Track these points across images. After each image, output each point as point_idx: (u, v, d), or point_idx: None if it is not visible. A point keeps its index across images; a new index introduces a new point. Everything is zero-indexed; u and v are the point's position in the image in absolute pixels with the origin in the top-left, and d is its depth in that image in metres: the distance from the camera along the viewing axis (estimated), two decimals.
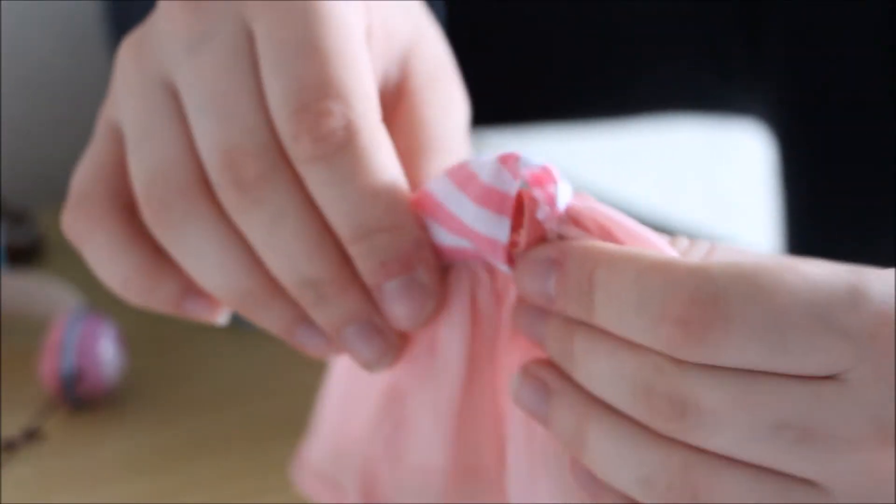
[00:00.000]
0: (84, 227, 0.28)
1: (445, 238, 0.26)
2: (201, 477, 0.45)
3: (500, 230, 0.25)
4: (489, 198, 0.25)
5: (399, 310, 0.26)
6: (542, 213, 0.26)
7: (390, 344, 0.27)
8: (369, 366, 0.27)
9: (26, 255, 0.67)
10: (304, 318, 0.27)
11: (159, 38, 0.27)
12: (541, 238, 0.26)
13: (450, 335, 0.27)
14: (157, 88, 0.27)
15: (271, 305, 0.27)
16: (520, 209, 0.26)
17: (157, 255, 0.28)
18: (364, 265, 0.25)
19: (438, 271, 0.26)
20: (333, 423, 0.30)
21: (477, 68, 0.39)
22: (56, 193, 0.76)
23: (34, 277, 0.58)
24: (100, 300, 0.58)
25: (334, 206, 0.25)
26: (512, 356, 0.27)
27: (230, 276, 0.26)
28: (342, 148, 0.25)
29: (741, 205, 1.18)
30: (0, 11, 0.80)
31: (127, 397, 0.52)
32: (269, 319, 0.27)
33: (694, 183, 1.23)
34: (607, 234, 0.26)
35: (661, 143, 1.07)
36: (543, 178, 0.26)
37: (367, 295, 0.26)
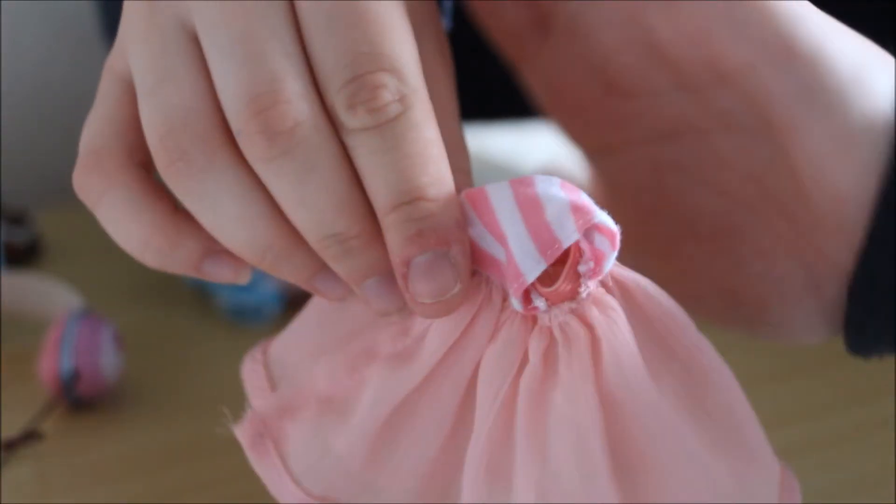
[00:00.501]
0: (98, 186, 0.26)
1: (484, 240, 0.26)
2: (201, 477, 0.45)
3: (532, 270, 0.25)
4: (542, 235, 0.25)
5: (424, 287, 0.25)
6: (584, 268, 0.25)
7: None
8: (386, 315, 0.26)
9: (25, 255, 0.67)
10: (323, 267, 0.26)
11: None
12: (573, 290, 0.25)
13: (434, 337, 0.26)
14: (173, 30, 0.26)
15: (293, 257, 0.26)
16: (565, 256, 0.25)
17: (176, 213, 0.27)
18: (400, 233, 0.25)
19: (470, 260, 0.26)
20: (303, 335, 0.30)
21: (483, 63, 0.38)
22: (56, 193, 0.76)
23: (33, 277, 0.58)
24: (99, 300, 0.58)
25: (379, 173, 0.24)
26: (485, 388, 0.26)
27: (252, 229, 0.25)
28: (396, 119, 0.24)
29: None
30: (0, 11, 0.80)
31: (126, 397, 0.52)
32: (289, 271, 0.26)
33: None
34: (634, 303, 0.26)
35: None
36: (608, 240, 0.25)
37: None
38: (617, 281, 0.26)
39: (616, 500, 0.25)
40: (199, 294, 0.60)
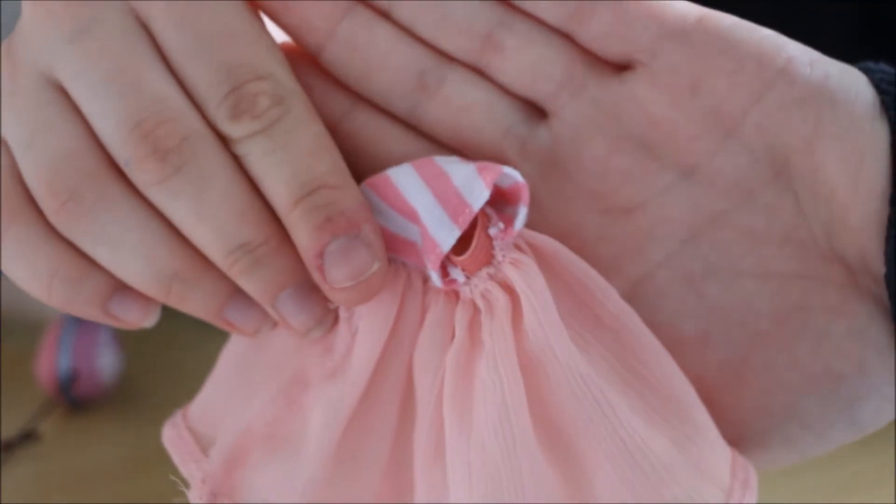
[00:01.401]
0: (1, 223, 0.26)
1: (395, 223, 0.25)
2: None
3: (446, 238, 0.24)
4: (451, 202, 0.24)
5: (341, 271, 0.24)
6: (493, 230, 0.25)
7: (328, 306, 0.26)
8: (307, 331, 0.26)
9: None
10: (234, 294, 0.26)
11: (31, 36, 0.26)
12: (486, 255, 0.25)
13: (366, 336, 0.26)
14: (39, 86, 0.25)
15: (201, 284, 0.25)
16: (474, 225, 0.25)
17: (79, 250, 0.26)
18: (308, 224, 0.24)
19: (382, 238, 0.25)
20: (226, 384, 0.29)
21: None
22: None
23: None
24: None
25: (276, 172, 0.24)
26: (421, 374, 0.26)
27: (154, 259, 0.25)
28: (280, 119, 0.25)
29: None
30: (0, 11, 0.80)
31: (123, 398, 0.52)
32: (198, 300, 0.26)
33: None
34: (551, 268, 0.25)
35: None
36: (513, 194, 0.25)
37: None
38: (532, 245, 0.25)
39: (544, 468, 0.25)
40: None
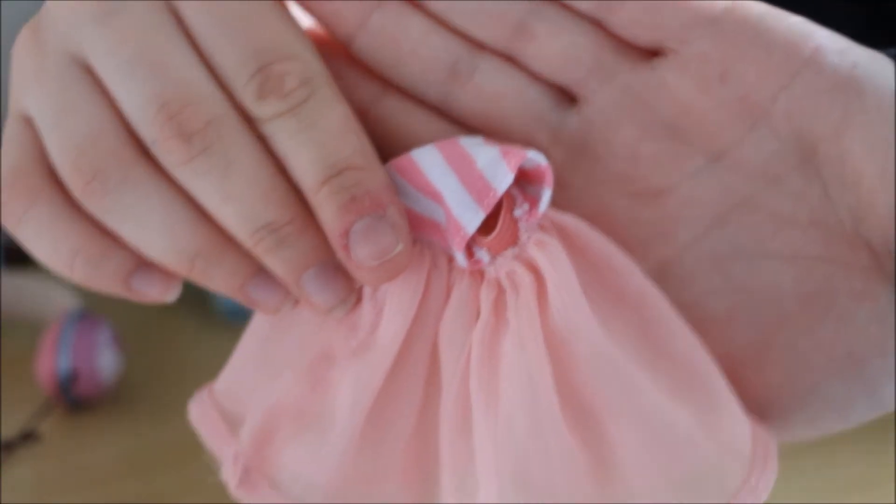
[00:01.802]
0: (23, 201, 0.26)
1: (419, 203, 0.26)
2: (197, 477, 0.45)
3: (471, 220, 0.25)
4: (476, 185, 0.25)
5: (366, 250, 0.25)
6: (518, 212, 0.25)
7: (351, 285, 0.26)
8: (330, 310, 0.26)
9: (24, 255, 0.67)
10: (256, 272, 0.26)
11: (59, 16, 0.26)
12: (512, 236, 0.25)
13: (394, 314, 0.26)
14: (66, 65, 0.26)
15: (223, 261, 0.26)
16: (499, 206, 0.25)
17: (102, 227, 0.26)
18: (334, 203, 0.25)
19: (407, 219, 0.25)
20: (251, 361, 0.29)
21: None
22: None
23: (32, 278, 0.58)
24: (97, 301, 0.58)
25: (302, 152, 0.25)
26: (447, 350, 0.26)
27: (178, 237, 0.25)
28: (307, 99, 0.25)
29: None
30: (0, 11, 0.80)
31: (123, 398, 0.52)
32: (220, 277, 0.26)
33: None
34: (575, 247, 0.26)
35: None
36: (537, 175, 0.25)
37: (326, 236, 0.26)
38: (556, 224, 0.26)
39: (571, 445, 0.25)
40: (197, 294, 0.60)
